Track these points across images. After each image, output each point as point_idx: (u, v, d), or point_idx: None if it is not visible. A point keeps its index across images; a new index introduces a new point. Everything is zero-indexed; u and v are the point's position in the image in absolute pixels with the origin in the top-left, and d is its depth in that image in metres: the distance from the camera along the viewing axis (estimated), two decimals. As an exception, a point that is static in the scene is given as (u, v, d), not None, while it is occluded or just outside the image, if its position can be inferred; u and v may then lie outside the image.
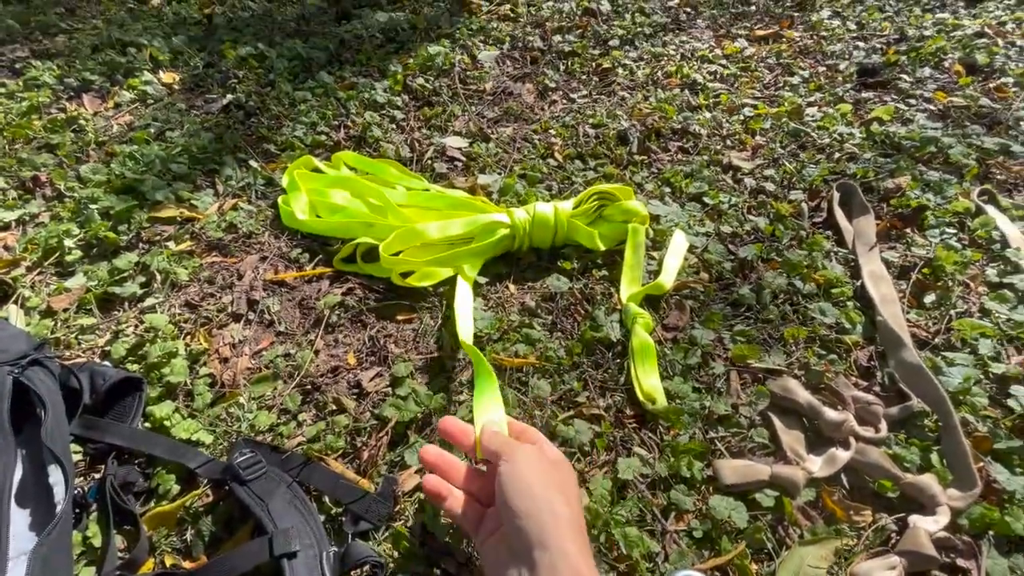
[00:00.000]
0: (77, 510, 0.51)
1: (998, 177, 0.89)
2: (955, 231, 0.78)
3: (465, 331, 0.62)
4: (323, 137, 0.98)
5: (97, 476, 0.54)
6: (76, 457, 0.55)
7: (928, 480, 0.51)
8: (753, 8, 1.43)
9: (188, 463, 0.53)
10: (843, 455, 0.54)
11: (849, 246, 0.77)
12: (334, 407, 0.60)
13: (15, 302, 0.70)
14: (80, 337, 0.67)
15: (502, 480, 0.38)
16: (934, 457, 0.54)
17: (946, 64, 1.17)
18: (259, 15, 1.39)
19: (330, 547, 0.47)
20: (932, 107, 1.05)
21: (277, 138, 0.98)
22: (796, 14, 1.40)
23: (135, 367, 0.63)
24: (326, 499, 0.52)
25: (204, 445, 0.56)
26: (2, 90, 1.07)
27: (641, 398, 0.59)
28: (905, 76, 1.14)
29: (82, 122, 1.01)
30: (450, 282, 0.73)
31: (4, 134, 0.96)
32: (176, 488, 0.53)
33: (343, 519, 0.50)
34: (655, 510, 0.52)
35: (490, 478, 0.42)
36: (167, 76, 1.14)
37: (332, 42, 1.24)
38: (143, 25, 1.30)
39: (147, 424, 0.58)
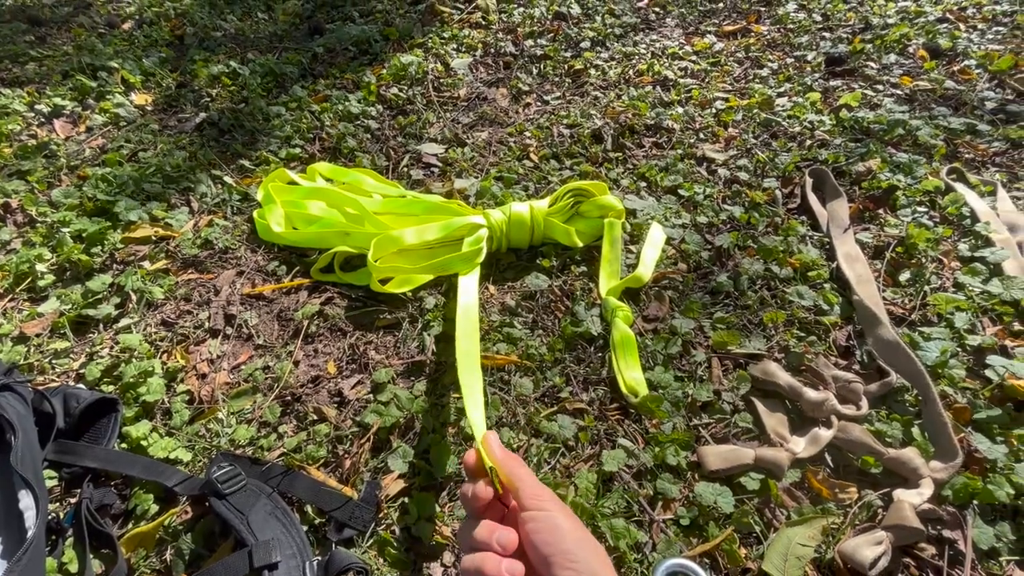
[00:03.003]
0: (53, 536, 0.50)
1: (966, 156, 0.91)
2: (926, 209, 0.79)
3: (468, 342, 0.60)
4: (298, 150, 0.98)
5: (73, 500, 0.53)
6: (51, 483, 0.54)
7: (910, 454, 0.52)
8: (721, 5, 1.46)
9: (166, 481, 0.52)
10: (826, 434, 0.54)
11: (824, 229, 0.78)
12: (315, 417, 0.59)
13: (-14, 330, 0.69)
14: (54, 361, 0.66)
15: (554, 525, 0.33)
16: (915, 431, 0.54)
17: (911, 50, 1.20)
18: (231, 34, 1.39)
19: (313, 556, 0.46)
20: (899, 92, 1.06)
21: (252, 153, 0.98)
22: (762, 9, 1.42)
23: (110, 388, 0.62)
24: (309, 508, 0.51)
25: (183, 463, 0.55)
26: (-29, 120, 1.06)
27: (624, 391, 0.59)
28: (871, 63, 1.16)
29: (54, 147, 1.00)
30: (429, 287, 0.73)
31: (-27, 163, 0.95)
32: (154, 508, 0.52)
33: (327, 527, 0.49)
34: (641, 500, 0.51)
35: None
36: (139, 98, 1.13)
37: (305, 56, 1.25)
38: (114, 49, 1.29)
39: (124, 445, 0.57)
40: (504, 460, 0.36)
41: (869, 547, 0.46)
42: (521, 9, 1.44)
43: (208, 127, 1.04)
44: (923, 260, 0.72)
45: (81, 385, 0.62)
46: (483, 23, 1.39)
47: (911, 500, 0.48)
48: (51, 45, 1.35)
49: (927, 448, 0.53)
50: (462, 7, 1.45)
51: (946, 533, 0.48)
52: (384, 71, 1.18)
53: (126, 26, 1.42)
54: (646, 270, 0.71)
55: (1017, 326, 0.64)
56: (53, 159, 0.97)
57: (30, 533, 0.44)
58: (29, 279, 0.75)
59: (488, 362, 0.63)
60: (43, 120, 1.08)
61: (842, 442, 0.54)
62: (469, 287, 0.66)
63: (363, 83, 1.14)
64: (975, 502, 0.49)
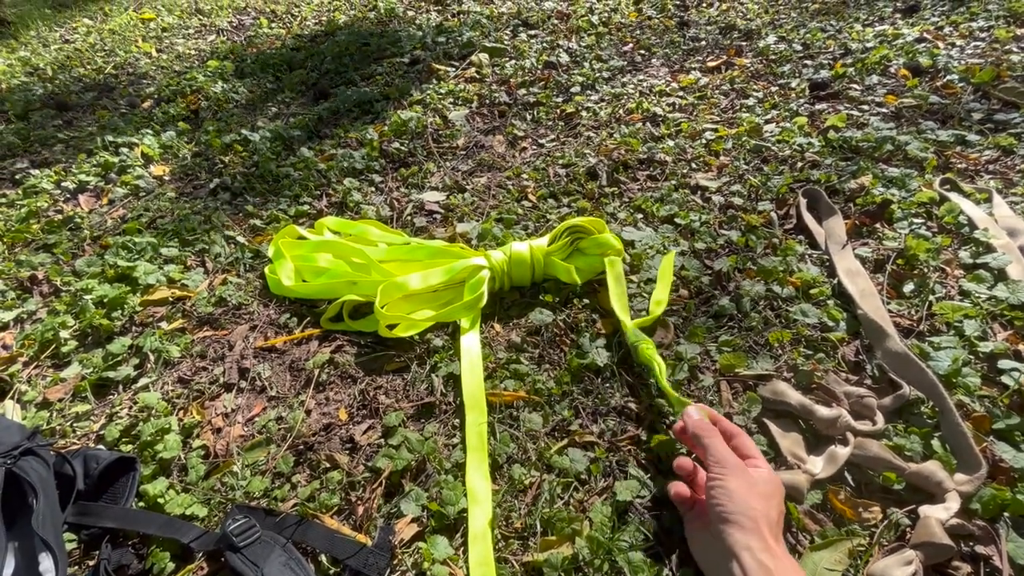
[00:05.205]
0: (71, 600, 0.50)
1: (958, 166, 0.92)
2: (923, 220, 0.80)
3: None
4: (306, 207, 1.02)
5: (91, 563, 0.53)
6: (71, 545, 0.54)
7: (933, 467, 0.50)
8: (703, 43, 1.52)
9: (182, 538, 0.52)
10: (843, 452, 0.53)
11: (822, 247, 0.78)
12: (327, 464, 0.60)
13: (11, 397, 0.71)
14: (75, 424, 0.68)
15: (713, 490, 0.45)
16: (935, 443, 0.53)
17: (892, 70, 1.23)
18: (242, 104, 1.48)
19: (327, 608, 0.45)
20: (884, 110, 1.09)
21: (263, 213, 1.02)
22: (744, 43, 1.48)
23: (129, 447, 0.63)
24: (323, 558, 0.51)
25: (199, 519, 0.56)
26: (2, 200, 1.13)
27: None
28: (855, 85, 1.19)
29: (78, 220, 1.05)
30: (436, 328, 0.74)
31: (3, 240, 1.00)
32: (171, 566, 0.52)
33: (341, 577, 0.49)
34: (658, 532, 0.50)
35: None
36: (158, 169, 1.20)
37: (311, 120, 1.32)
38: (135, 126, 1.38)
39: (141, 503, 0.58)
40: (696, 432, 0.49)
41: (899, 568, 0.44)
42: (513, 62, 1.52)
43: (221, 191, 1.10)
44: (925, 270, 0.72)
45: (101, 446, 0.64)
46: (477, 77, 1.46)
47: (938, 516, 0.47)
48: (77, 127, 1.45)
49: (949, 460, 0.51)
50: (457, 64, 1.54)
51: (979, 549, 0.46)
52: (386, 128, 1.24)
53: (146, 105, 1.52)
54: (659, 306, 0.71)
55: (1030, 330, 0.63)
56: (77, 231, 1.03)
57: (49, 596, 0.44)
58: (53, 346, 0.78)
59: (496, 399, 0.63)
60: (68, 196, 1.14)
61: (861, 459, 0.53)
62: (471, 348, 0.69)
63: (366, 140, 1.20)
64: (1006, 514, 0.48)
